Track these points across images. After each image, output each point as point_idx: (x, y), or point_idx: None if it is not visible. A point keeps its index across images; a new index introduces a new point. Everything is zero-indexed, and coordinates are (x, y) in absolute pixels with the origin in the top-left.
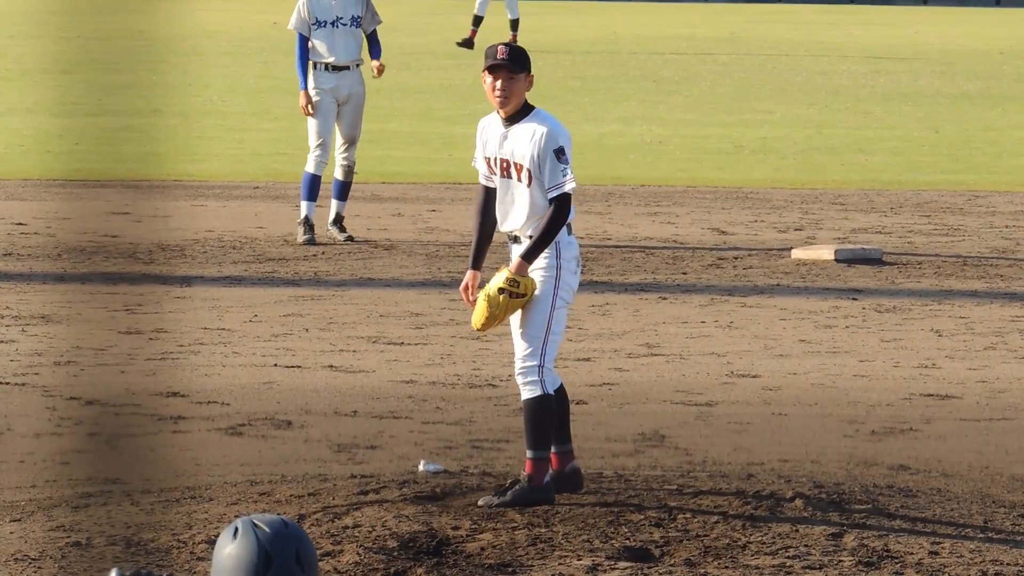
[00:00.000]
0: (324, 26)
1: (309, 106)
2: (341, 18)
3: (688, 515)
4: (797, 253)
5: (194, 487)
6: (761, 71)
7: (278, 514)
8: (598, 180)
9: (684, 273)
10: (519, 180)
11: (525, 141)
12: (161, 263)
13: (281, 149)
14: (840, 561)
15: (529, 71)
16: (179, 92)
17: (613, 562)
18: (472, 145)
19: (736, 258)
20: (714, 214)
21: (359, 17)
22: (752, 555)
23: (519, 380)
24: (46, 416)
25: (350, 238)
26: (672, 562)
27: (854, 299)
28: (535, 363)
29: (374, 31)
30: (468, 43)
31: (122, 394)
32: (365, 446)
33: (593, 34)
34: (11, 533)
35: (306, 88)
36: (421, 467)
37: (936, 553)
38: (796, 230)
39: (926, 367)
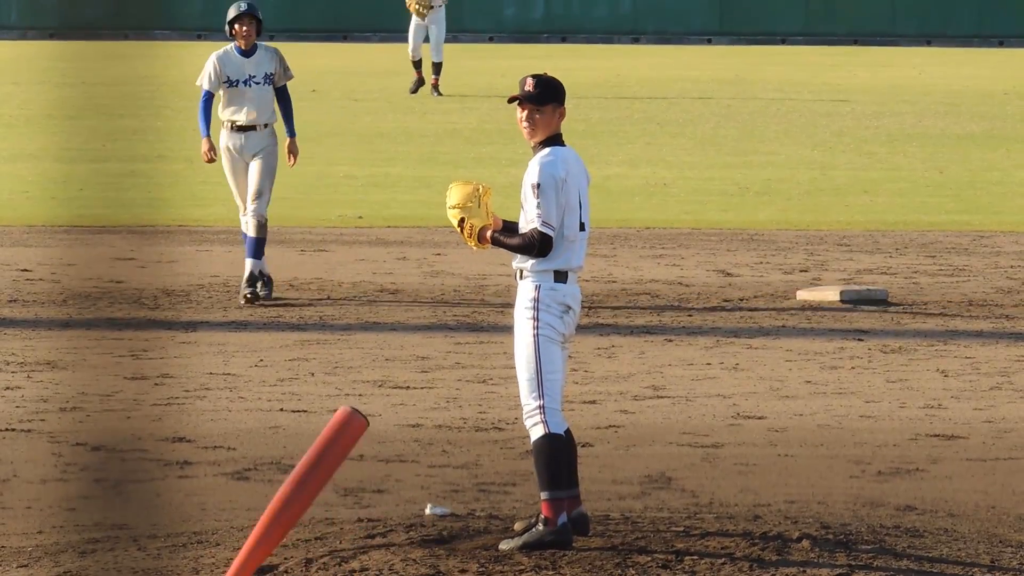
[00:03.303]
0: (236, 85)
1: (211, 152)
2: (254, 76)
3: (695, 557)
4: (802, 294)
5: (200, 532)
6: (765, 113)
7: None
8: (603, 223)
9: (689, 315)
10: (522, 209)
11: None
12: (166, 308)
13: (285, 194)
14: None
15: (559, 103)
16: (183, 137)
17: None
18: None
19: (741, 300)
20: (719, 256)
21: (272, 75)
22: None
23: (525, 423)
24: (52, 462)
25: (255, 296)
26: None
27: (860, 340)
28: (536, 403)
29: (284, 86)
30: (419, 85)
31: (128, 439)
32: (372, 490)
33: (597, 77)
34: None
35: (208, 135)
36: (428, 510)
37: None
38: (801, 271)
39: (932, 407)
